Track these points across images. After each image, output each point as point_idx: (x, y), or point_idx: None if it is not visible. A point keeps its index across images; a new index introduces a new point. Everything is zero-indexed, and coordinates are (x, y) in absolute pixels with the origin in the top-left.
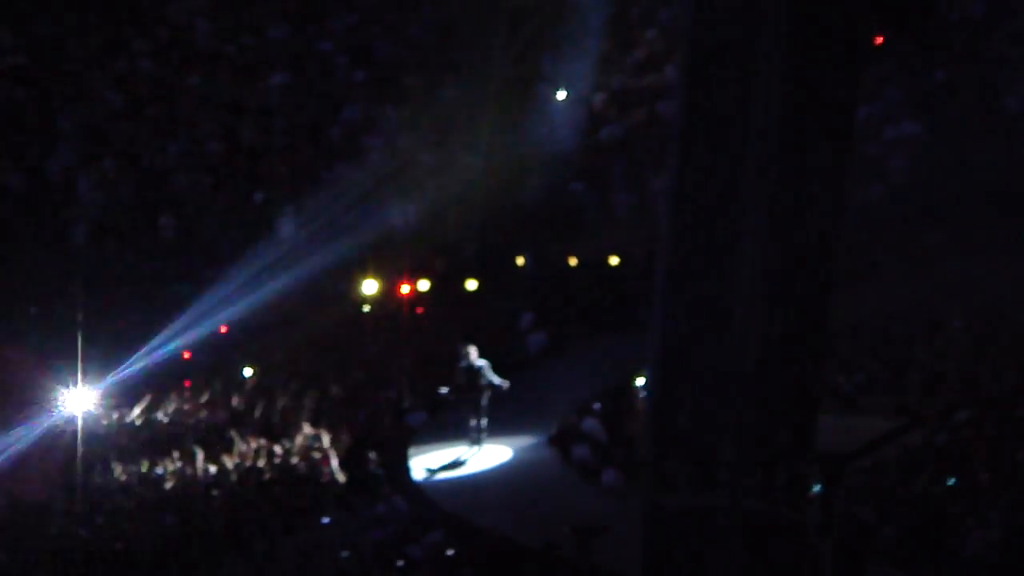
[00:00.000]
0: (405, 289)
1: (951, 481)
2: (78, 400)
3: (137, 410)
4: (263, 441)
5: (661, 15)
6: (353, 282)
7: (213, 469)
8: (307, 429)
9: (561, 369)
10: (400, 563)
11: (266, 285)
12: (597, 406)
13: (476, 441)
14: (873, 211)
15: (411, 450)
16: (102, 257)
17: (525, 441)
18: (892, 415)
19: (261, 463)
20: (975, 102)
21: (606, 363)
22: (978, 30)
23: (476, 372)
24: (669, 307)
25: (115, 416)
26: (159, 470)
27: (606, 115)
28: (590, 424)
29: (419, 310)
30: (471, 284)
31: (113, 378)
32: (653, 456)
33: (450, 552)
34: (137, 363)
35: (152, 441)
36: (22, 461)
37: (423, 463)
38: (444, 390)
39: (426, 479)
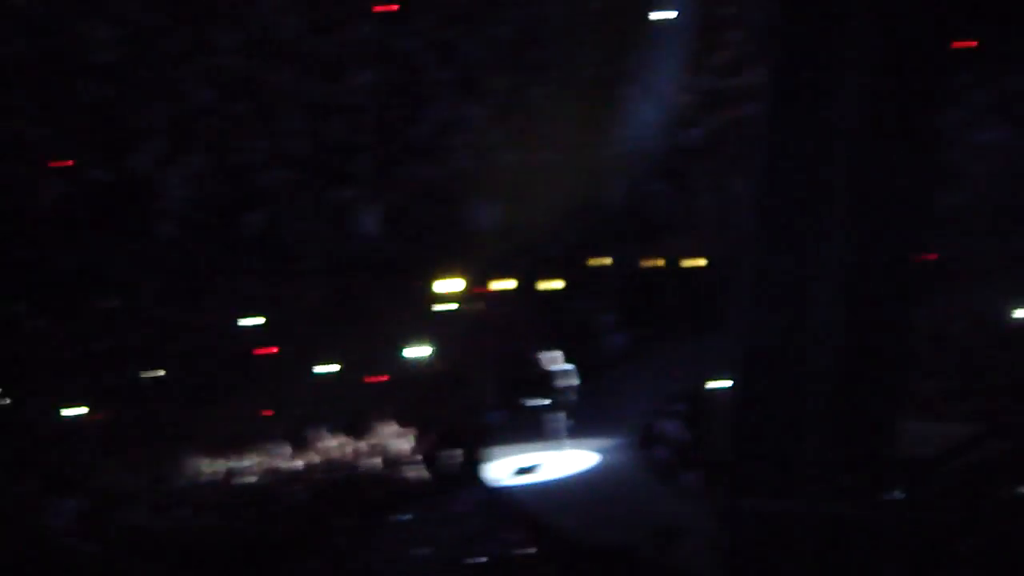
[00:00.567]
0: (487, 287)
1: None
2: None
3: None
4: (345, 437)
5: (749, 17)
6: (436, 280)
7: (294, 466)
8: (389, 426)
9: (642, 370)
10: (478, 560)
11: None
12: (678, 408)
13: (557, 443)
14: (958, 216)
15: (492, 450)
16: (187, 252)
17: (605, 442)
18: (974, 422)
19: (343, 458)
20: None
21: (687, 365)
22: None
23: (559, 376)
24: (752, 311)
25: None
26: (244, 463)
27: (691, 116)
28: (671, 426)
29: (501, 308)
30: (554, 283)
31: None
32: (733, 458)
33: (529, 551)
34: None
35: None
36: None
37: (503, 463)
38: (531, 401)
39: (505, 479)
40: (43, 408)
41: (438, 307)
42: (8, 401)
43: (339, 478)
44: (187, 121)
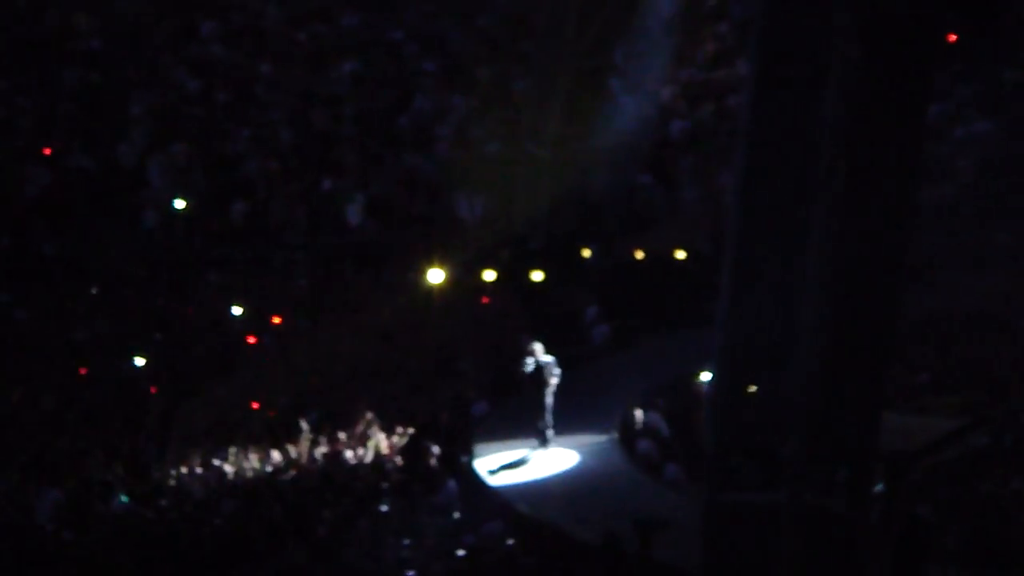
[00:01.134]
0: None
1: (1016, 483)
2: None
3: None
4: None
5: (733, 9)
6: (419, 271)
7: (277, 457)
8: (369, 418)
9: (625, 362)
10: (459, 553)
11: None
12: (661, 401)
13: (541, 438)
14: (943, 209)
15: (475, 444)
16: (171, 241)
17: (588, 434)
18: (957, 415)
19: (326, 449)
20: None
21: (671, 357)
22: None
23: (542, 369)
24: (736, 304)
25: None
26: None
27: (676, 109)
28: (653, 418)
29: (484, 300)
30: (537, 275)
31: None
32: (716, 451)
33: (510, 542)
34: None
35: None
36: None
37: (486, 457)
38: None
39: (488, 472)
40: (26, 397)
41: (422, 297)
42: None
43: (322, 469)
44: (172, 110)
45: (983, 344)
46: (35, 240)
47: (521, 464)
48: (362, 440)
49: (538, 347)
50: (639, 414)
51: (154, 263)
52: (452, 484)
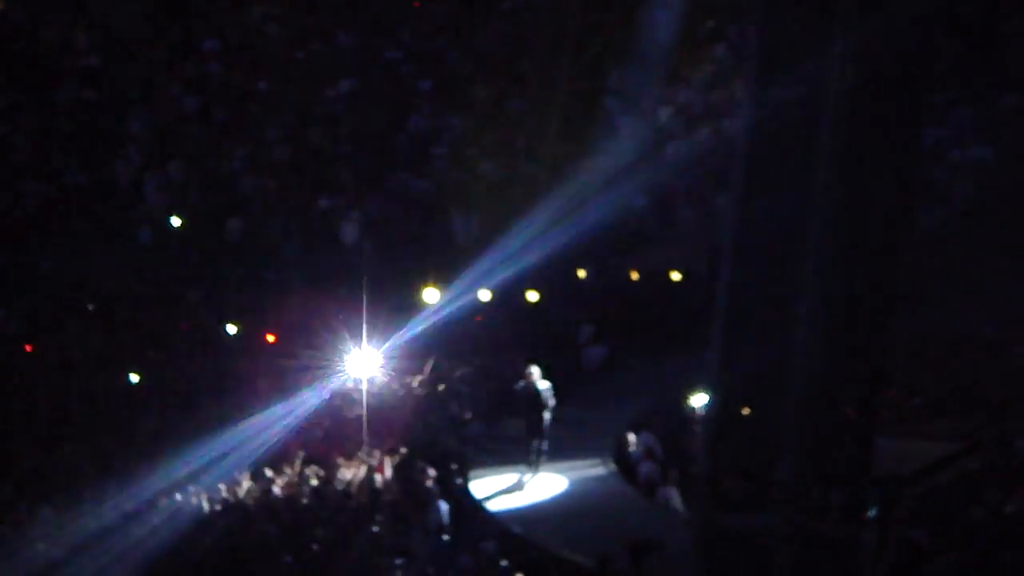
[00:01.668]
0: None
1: (1010, 507)
2: None
3: None
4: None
5: (730, 32)
6: (415, 291)
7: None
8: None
9: (620, 383)
10: (452, 570)
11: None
12: (656, 422)
13: (535, 463)
14: (938, 235)
15: (469, 467)
16: (167, 259)
17: (582, 457)
18: (951, 440)
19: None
20: None
21: (666, 378)
22: None
23: (537, 394)
24: (731, 326)
25: None
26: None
27: (672, 130)
28: (648, 440)
29: (477, 318)
30: (532, 295)
31: None
32: (710, 474)
33: (504, 564)
34: None
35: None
36: None
37: (481, 480)
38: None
39: (482, 495)
40: (20, 413)
41: (418, 317)
42: None
43: (316, 489)
44: (169, 128)
45: (977, 368)
46: (31, 256)
47: (515, 487)
48: (356, 459)
49: (535, 371)
50: (632, 437)
51: (149, 280)
52: (443, 505)
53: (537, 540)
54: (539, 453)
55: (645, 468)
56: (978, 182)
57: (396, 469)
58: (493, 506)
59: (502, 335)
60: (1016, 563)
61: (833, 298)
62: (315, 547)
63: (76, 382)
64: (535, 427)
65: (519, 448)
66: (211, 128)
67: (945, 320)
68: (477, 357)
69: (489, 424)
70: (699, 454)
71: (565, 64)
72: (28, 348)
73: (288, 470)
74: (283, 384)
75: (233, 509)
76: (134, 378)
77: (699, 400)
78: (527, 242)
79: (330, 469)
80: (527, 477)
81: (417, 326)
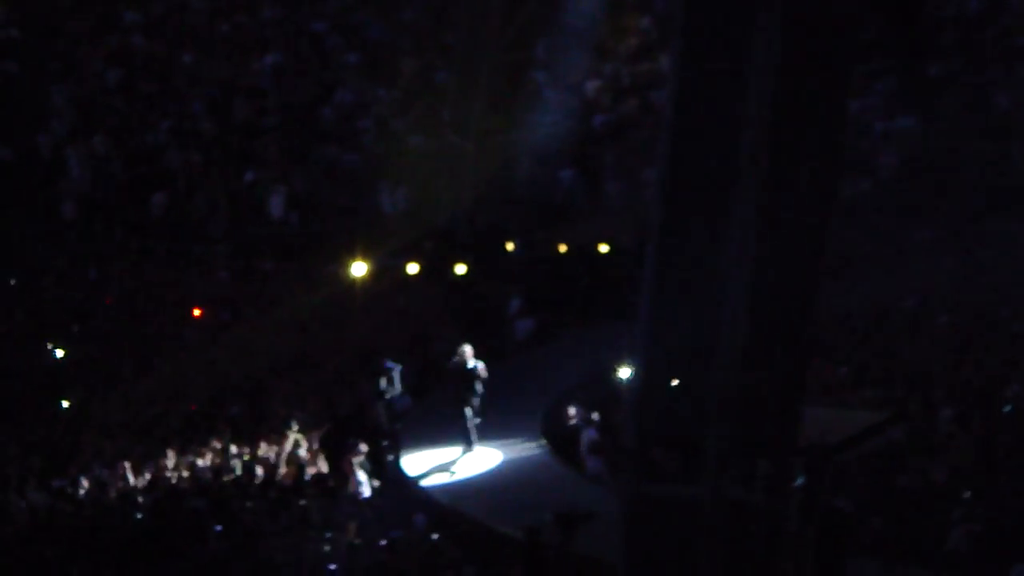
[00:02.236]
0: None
1: (934, 477)
2: None
3: None
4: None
5: (656, 4)
6: (342, 264)
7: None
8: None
9: (549, 356)
10: (383, 543)
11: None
12: (584, 394)
13: (467, 440)
14: (863, 204)
15: (400, 444)
16: (90, 233)
17: (511, 429)
18: (877, 409)
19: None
20: (967, 97)
21: (594, 350)
22: (971, 25)
23: (470, 373)
24: (657, 296)
25: None
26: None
27: (599, 102)
28: (577, 412)
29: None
30: (460, 268)
31: None
32: (637, 445)
33: (435, 536)
34: None
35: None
36: None
37: (410, 453)
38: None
39: (414, 472)
40: None
41: (344, 290)
42: None
43: (244, 463)
44: (92, 101)
45: (902, 339)
46: None
47: (446, 463)
48: (283, 434)
49: (467, 349)
50: (572, 410)
51: (73, 255)
52: (377, 480)
53: (467, 512)
54: (471, 431)
55: (588, 435)
56: (902, 153)
57: (320, 442)
58: (424, 481)
59: (430, 308)
60: (940, 529)
61: (759, 267)
62: (243, 520)
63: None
64: (467, 404)
65: (449, 423)
66: (135, 101)
67: (870, 290)
68: (405, 330)
69: (417, 398)
70: (625, 424)
71: (491, 36)
72: None
73: (216, 444)
74: (211, 359)
75: (160, 484)
76: (58, 353)
77: (626, 371)
78: (454, 215)
79: (255, 443)
80: (458, 453)
81: (345, 300)
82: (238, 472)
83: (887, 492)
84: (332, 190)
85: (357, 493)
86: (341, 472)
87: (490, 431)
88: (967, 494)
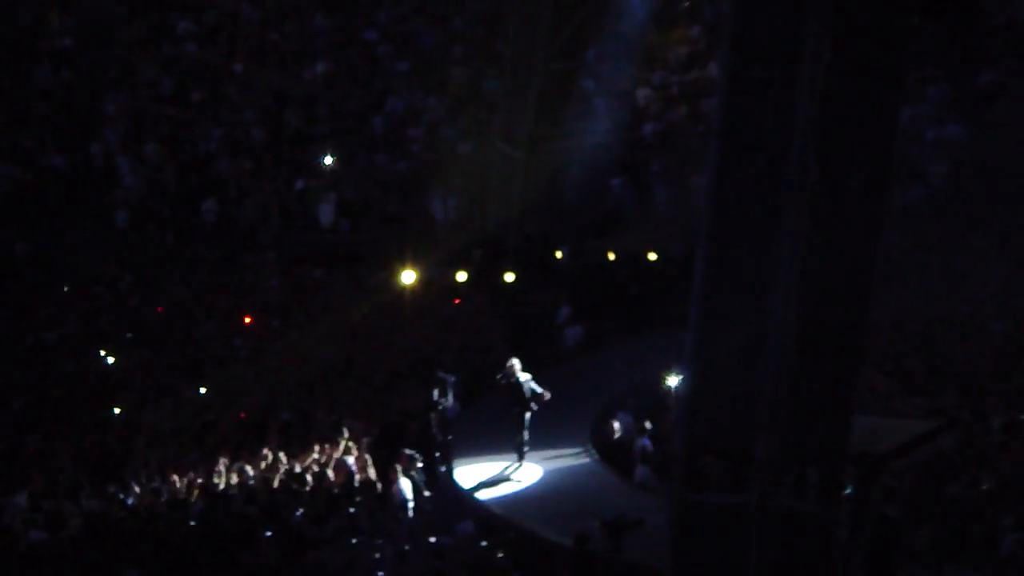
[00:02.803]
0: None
1: (985, 485)
2: None
3: None
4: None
5: (705, 12)
6: (392, 271)
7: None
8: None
9: (597, 364)
10: (430, 549)
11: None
12: (634, 402)
13: (518, 453)
14: (914, 212)
15: (453, 456)
16: (143, 241)
17: (560, 438)
18: (927, 417)
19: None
20: (1019, 105)
21: (642, 359)
22: (1023, 32)
23: (519, 387)
24: (707, 305)
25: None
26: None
27: (648, 111)
28: (626, 420)
29: (456, 301)
30: (509, 276)
31: None
32: (686, 453)
33: (483, 542)
34: None
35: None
36: None
37: (461, 465)
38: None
39: (464, 483)
40: None
41: (394, 298)
42: None
43: (295, 471)
44: (145, 109)
45: (952, 346)
46: (6, 238)
47: (494, 469)
48: (332, 441)
49: (516, 364)
50: (616, 425)
51: (126, 262)
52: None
53: (515, 519)
54: (523, 447)
55: (640, 444)
56: (953, 160)
57: (369, 449)
58: (473, 488)
59: (480, 316)
60: (990, 538)
61: (809, 276)
62: (293, 526)
63: (52, 365)
64: (517, 420)
65: (497, 430)
66: (187, 110)
67: (921, 298)
68: (454, 338)
69: (465, 405)
70: (674, 432)
71: (541, 45)
72: (3, 331)
73: (266, 452)
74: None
75: (211, 491)
76: (110, 360)
77: (675, 379)
78: (504, 223)
79: (306, 450)
80: (507, 462)
81: (394, 307)
82: (288, 479)
83: (938, 500)
84: (382, 198)
85: (405, 500)
86: (389, 479)
87: (539, 439)
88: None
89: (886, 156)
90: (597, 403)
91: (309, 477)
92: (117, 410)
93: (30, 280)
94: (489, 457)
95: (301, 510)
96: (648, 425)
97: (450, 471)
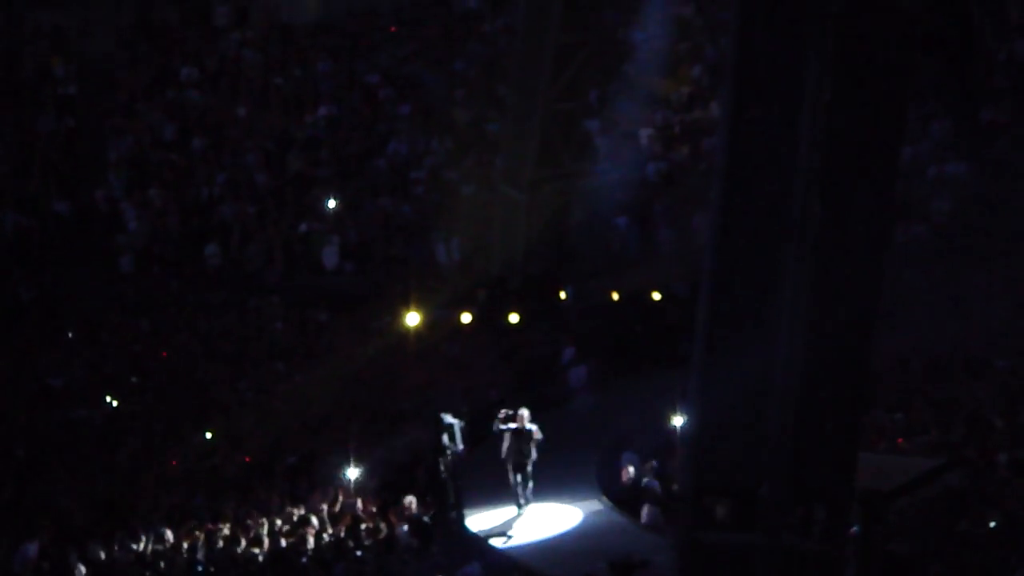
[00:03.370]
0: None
1: (992, 522)
2: None
3: None
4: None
5: (707, 52)
6: (396, 314)
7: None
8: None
9: (602, 403)
10: None
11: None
12: (639, 441)
13: (523, 498)
14: (917, 249)
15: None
16: (147, 285)
17: (568, 478)
18: (933, 455)
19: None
20: (1020, 142)
21: (647, 398)
22: None
23: (527, 436)
24: (711, 344)
25: None
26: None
27: (651, 150)
28: (632, 459)
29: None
30: (513, 316)
31: None
32: (692, 492)
33: None
34: None
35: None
36: None
37: (469, 509)
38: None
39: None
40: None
41: (398, 340)
42: None
43: (301, 514)
44: (148, 155)
45: (957, 384)
46: (11, 284)
47: (500, 510)
48: (337, 484)
49: (524, 413)
50: (631, 469)
51: (130, 307)
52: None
53: (522, 560)
54: (526, 494)
55: (649, 485)
56: (956, 197)
57: (375, 493)
58: (479, 529)
59: (484, 357)
60: (998, 574)
61: (814, 315)
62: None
63: (57, 411)
64: (522, 467)
65: (504, 475)
66: (190, 154)
67: (925, 335)
68: (459, 380)
69: (470, 447)
70: (681, 472)
71: (543, 86)
72: (9, 376)
73: (272, 495)
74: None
75: (218, 537)
76: (115, 405)
77: (680, 418)
78: (507, 264)
79: (311, 494)
80: (513, 504)
81: (399, 349)
82: (294, 523)
83: (946, 537)
84: (386, 240)
85: (410, 543)
86: (395, 523)
87: (544, 479)
88: None
89: (888, 193)
90: (603, 443)
91: (315, 520)
92: (123, 455)
93: (35, 325)
94: (495, 499)
95: (308, 555)
96: (654, 464)
97: (460, 516)
